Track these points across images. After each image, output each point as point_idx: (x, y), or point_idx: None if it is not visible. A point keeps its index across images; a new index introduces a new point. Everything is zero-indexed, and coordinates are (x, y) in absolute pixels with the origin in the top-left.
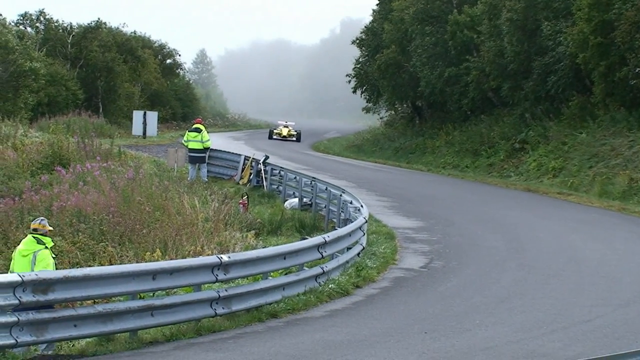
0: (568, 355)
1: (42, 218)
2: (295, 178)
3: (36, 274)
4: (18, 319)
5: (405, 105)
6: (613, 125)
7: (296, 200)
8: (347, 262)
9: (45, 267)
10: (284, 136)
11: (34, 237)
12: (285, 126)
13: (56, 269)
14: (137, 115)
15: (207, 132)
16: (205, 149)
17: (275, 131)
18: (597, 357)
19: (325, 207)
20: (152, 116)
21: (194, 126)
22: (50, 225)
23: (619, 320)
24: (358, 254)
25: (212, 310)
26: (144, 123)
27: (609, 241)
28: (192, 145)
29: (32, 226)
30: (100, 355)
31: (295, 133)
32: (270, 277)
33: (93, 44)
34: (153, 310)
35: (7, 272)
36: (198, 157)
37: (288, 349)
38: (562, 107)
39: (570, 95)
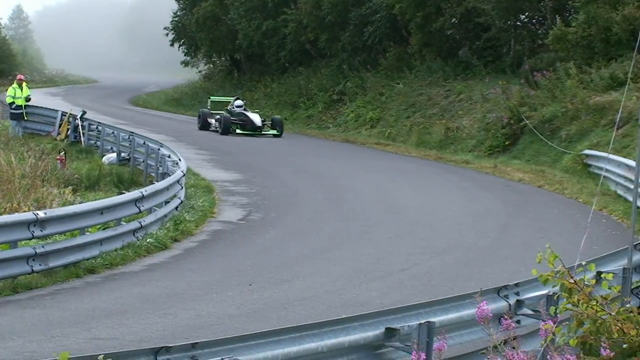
0: (385, 302)
1: None
2: (113, 133)
3: None
4: None
5: (223, 58)
6: (429, 75)
7: (114, 155)
8: (166, 216)
9: None
10: (258, 128)
11: None
12: (245, 108)
13: None
14: None
15: (14, 88)
16: (13, 106)
17: (231, 119)
18: (413, 304)
19: (143, 161)
20: None
21: None
22: None
23: (435, 267)
24: (176, 208)
25: (29, 267)
26: None
27: (426, 190)
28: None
29: None
30: None
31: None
32: (87, 233)
33: None
34: None
35: None
36: (10, 113)
37: (106, 303)
38: (379, 58)
39: (388, 46)
